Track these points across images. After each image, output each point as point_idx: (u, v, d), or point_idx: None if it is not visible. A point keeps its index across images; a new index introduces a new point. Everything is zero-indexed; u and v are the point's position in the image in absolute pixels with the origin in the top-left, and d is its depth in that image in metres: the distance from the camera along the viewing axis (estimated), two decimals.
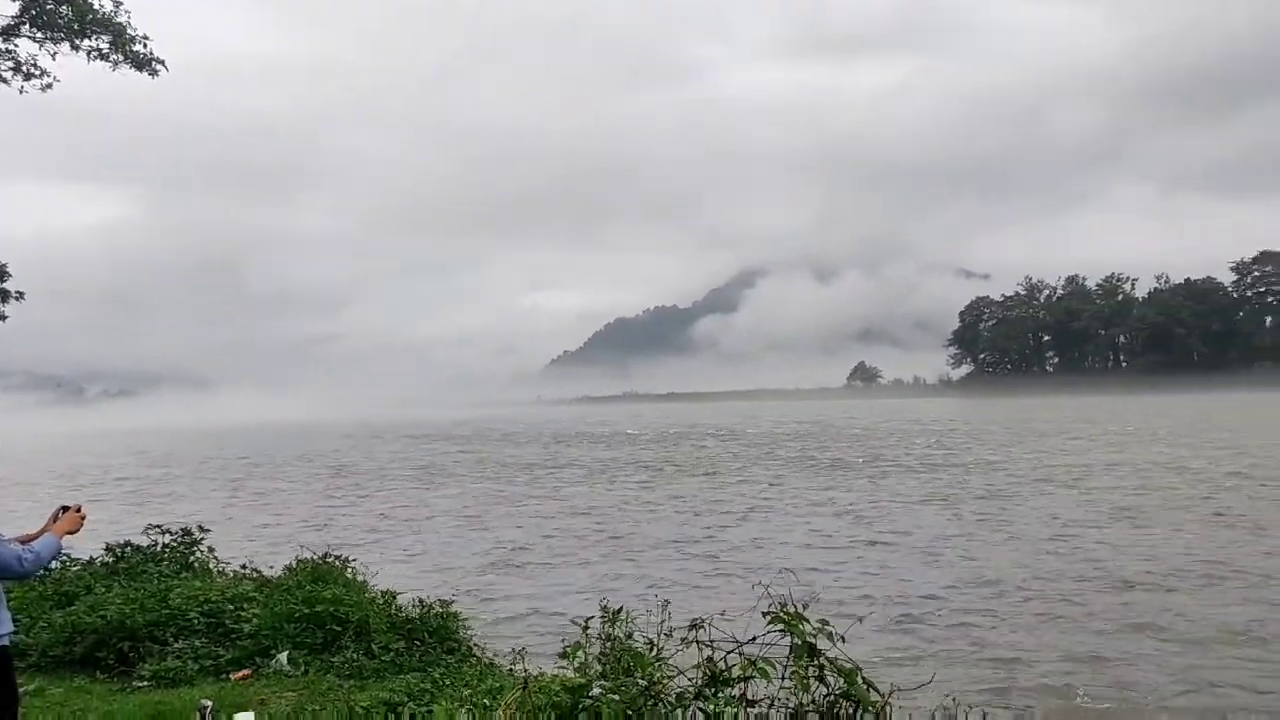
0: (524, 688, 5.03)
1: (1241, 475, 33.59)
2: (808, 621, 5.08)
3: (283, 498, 36.91)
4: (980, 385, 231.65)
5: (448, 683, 7.49)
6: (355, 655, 8.85)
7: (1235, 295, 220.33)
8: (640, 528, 25.62)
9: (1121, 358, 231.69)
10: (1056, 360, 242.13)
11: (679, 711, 4.98)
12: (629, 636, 5.69)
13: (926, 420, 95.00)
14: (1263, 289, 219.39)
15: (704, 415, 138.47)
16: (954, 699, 5.75)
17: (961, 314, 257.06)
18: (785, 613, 5.07)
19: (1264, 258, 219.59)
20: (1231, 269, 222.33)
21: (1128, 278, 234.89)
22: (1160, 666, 11.72)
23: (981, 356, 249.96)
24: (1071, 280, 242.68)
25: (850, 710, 4.94)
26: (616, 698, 4.90)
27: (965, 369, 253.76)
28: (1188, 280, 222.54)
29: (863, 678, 4.96)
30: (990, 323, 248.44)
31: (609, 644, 5.96)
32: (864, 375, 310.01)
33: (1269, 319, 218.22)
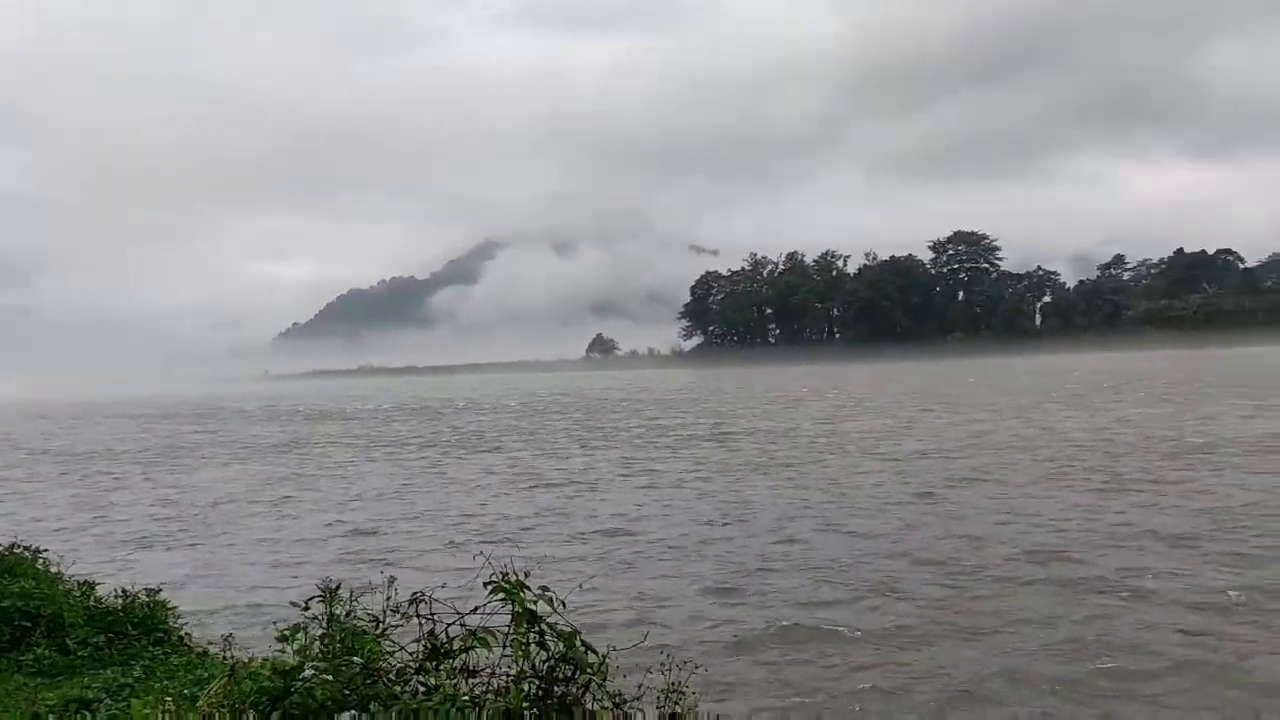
0: (229, 676, 4.78)
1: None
2: (529, 589, 5.12)
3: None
4: (710, 356, 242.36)
5: (153, 676, 7.02)
6: (48, 652, 8.14)
7: (933, 272, 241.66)
8: (391, 504, 25.04)
9: (835, 329, 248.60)
10: (778, 332, 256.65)
11: (398, 687, 4.90)
12: (349, 615, 5.53)
13: (675, 388, 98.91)
14: (955, 266, 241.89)
15: (452, 389, 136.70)
16: (669, 655, 5.98)
17: (692, 288, 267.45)
18: (507, 582, 5.08)
19: (957, 237, 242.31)
20: (929, 248, 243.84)
21: (841, 255, 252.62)
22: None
23: (711, 329, 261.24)
24: (791, 257, 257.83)
25: (569, 672, 5.04)
26: (331, 679, 4.75)
27: (696, 340, 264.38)
28: (892, 258, 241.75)
29: (581, 640, 5.06)
30: (719, 297, 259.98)
31: (331, 625, 5.77)
32: (602, 347, 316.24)
33: (960, 294, 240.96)
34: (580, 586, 10.36)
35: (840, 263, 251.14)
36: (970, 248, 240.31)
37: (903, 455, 30.57)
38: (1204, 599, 12.63)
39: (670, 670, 5.52)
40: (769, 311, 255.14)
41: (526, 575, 5.18)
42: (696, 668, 6.40)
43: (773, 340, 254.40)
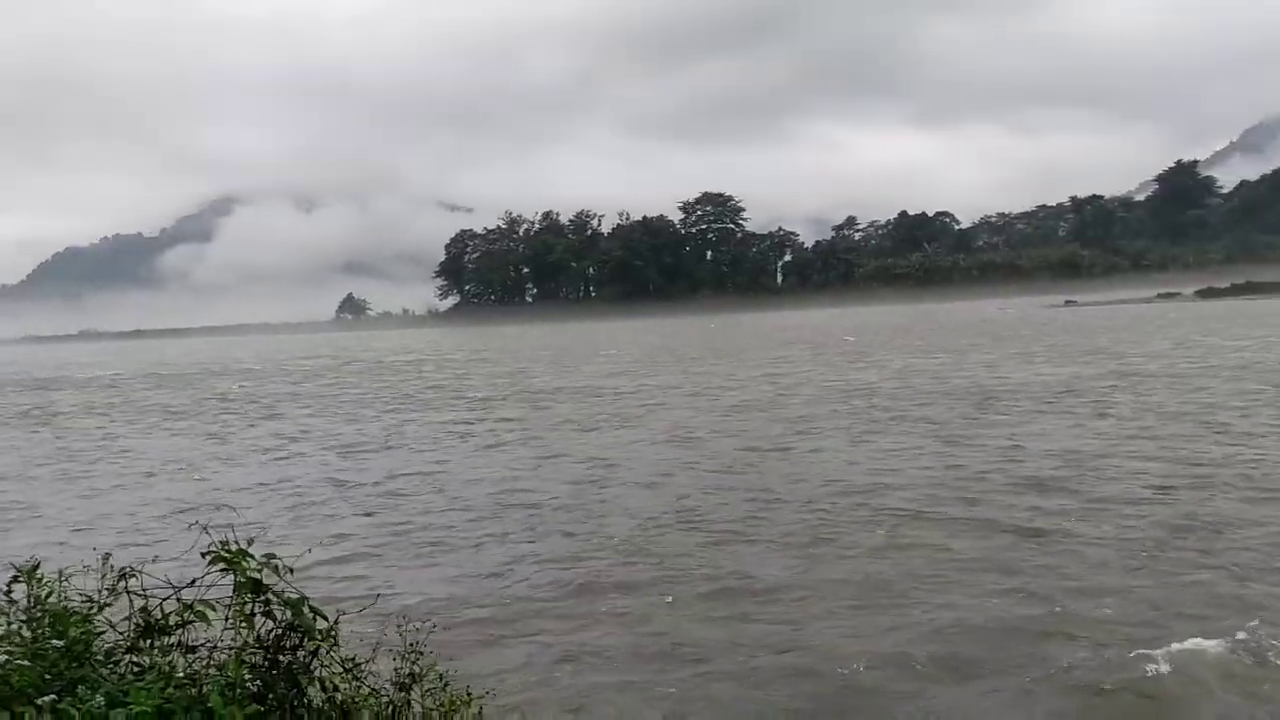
0: None
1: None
2: (252, 558, 4.95)
3: None
4: (467, 316, 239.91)
5: None
6: None
7: (683, 231, 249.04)
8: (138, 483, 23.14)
9: (591, 288, 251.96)
10: (535, 291, 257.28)
11: (106, 669, 4.62)
12: (50, 596, 5.14)
13: (446, 348, 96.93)
14: (704, 226, 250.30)
15: (201, 353, 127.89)
16: (405, 618, 5.96)
17: (447, 247, 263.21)
18: (227, 551, 4.88)
19: (705, 198, 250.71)
20: (680, 208, 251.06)
21: (596, 214, 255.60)
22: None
23: (468, 288, 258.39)
24: (547, 215, 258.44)
25: (297, 640, 4.92)
26: (29, 663, 4.42)
27: (452, 300, 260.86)
28: (645, 218, 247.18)
29: (310, 607, 4.94)
30: (474, 255, 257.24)
31: (34, 607, 5.34)
32: (353, 308, 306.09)
33: (709, 253, 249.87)
34: (310, 550, 10.01)
35: (595, 222, 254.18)
36: (717, 208, 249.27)
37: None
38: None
39: (409, 632, 5.50)
40: (526, 270, 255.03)
41: (250, 543, 4.99)
42: (435, 628, 6.41)
43: (530, 299, 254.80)
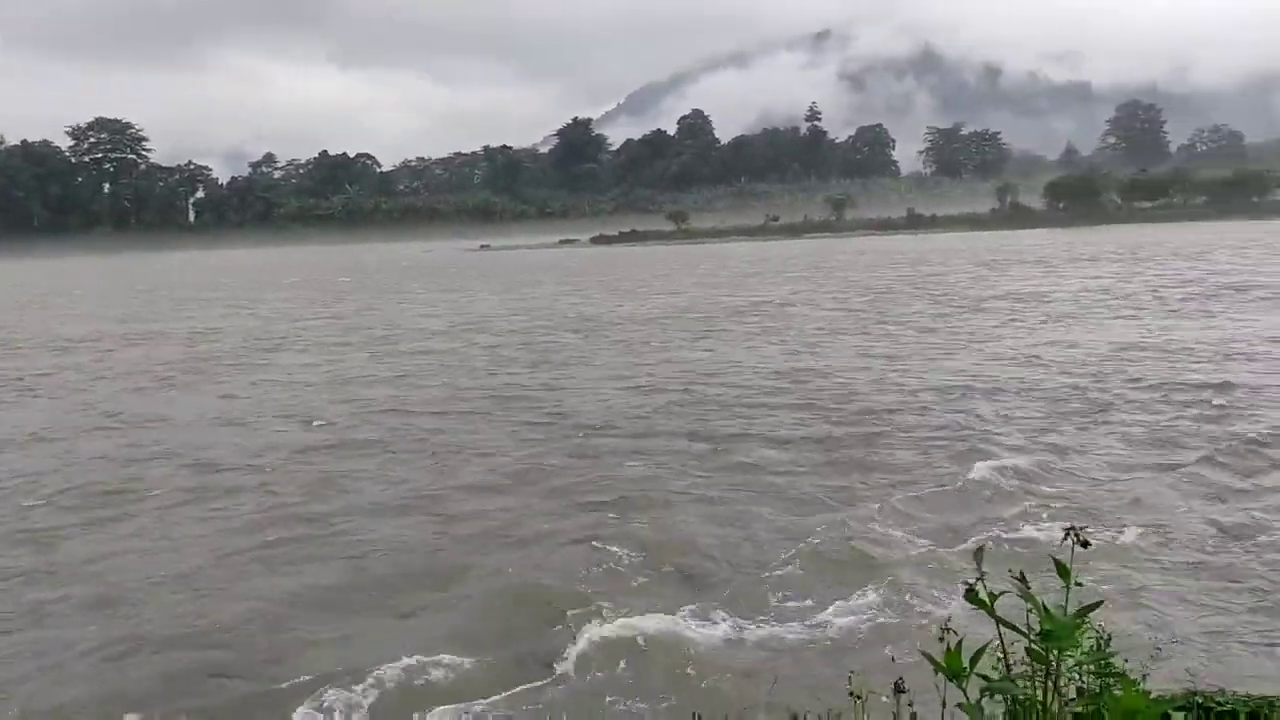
0: None
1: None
2: None
3: None
4: None
5: None
6: None
7: (74, 160, 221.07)
8: None
9: None
10: None
11: None
12: None
13: None
14: (100, 155, 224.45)
15: None
16: None
17: None
18: None
19: (99, 124, 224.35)
20: (68, 134, 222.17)
21: None
22: None
23: None
24: None
25: None
26: None
27: None
28: (25, 142, 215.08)
29: None
30: None
31: None
32: None
33: (107, 185, 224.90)
34: None
35: None
36: (115, 136, 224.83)
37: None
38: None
39: None
40: None
41: None
42: None
43: None
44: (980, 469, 13.73)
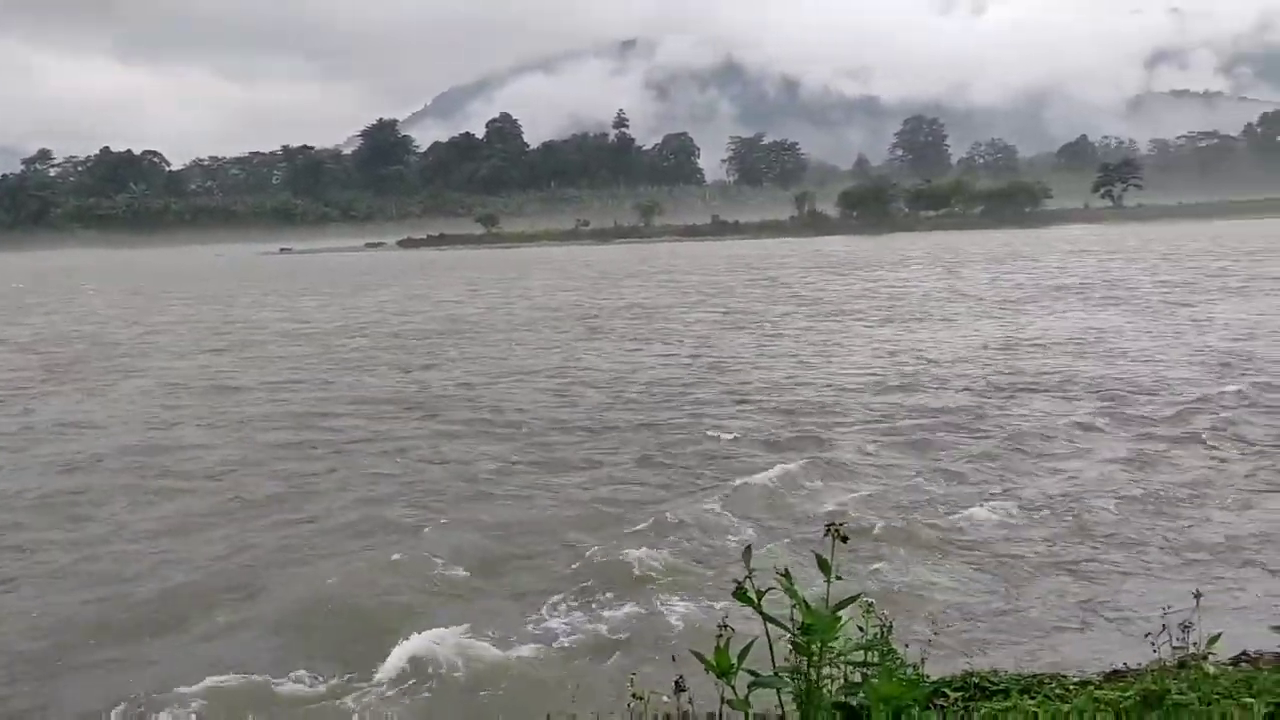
0: None
1: None
2: None
3: None
4: None
5: None
6: None
7: None
8: None
9: None
10: None
11: None
12: None
13: None
14: None
15: None
16: None
17: None
18: None
19: None
20: None
21: None
22: None
23: None
24: None
25: None
26: None
27: None
28: None
29: None
30: None
31: None
32: None
33: None
34: None
35: None
36: None
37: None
38: None
39: None
40: None
41: None
42: None
43: None
44: (757, 477, 14.01)
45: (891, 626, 4.91)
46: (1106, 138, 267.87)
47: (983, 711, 4.80)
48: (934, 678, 6.02)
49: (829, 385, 21.15)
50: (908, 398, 19.46)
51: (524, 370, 24.61)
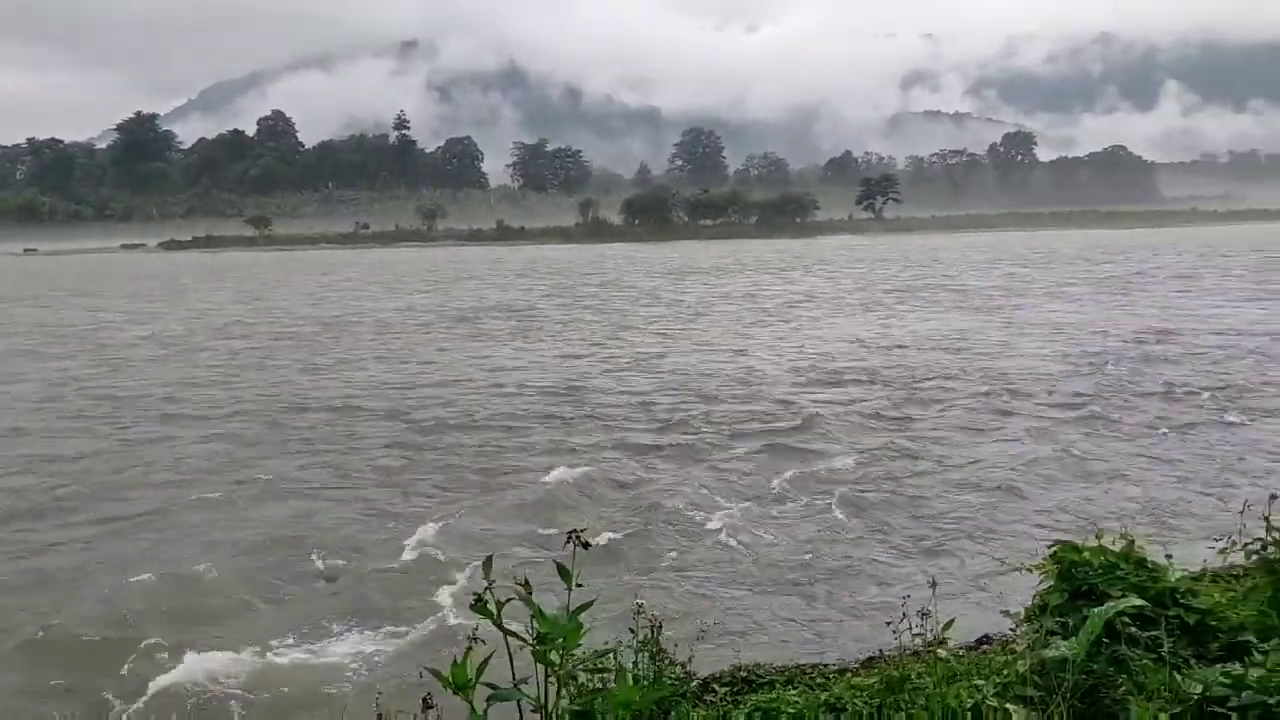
0: None
1: None
2: None
3: None
4: None
5: None
6: None
7: None
8: None
9: None
10: None
11: None
12: None
13: None
14: None
15: None
16: None
17: None
18: None
19: None
20: None
21: None
22: None
23: None
24: None
25: None
26: None
27: None
28: None
29: None
30: None
31: None
32: None
33: None
34: None
35: None
36: None
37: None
38: None
39: None
40: None
41: None
42: None
43: None
44: (558, 474, 14.13)
45: (661, 627, 4.99)
46: (868, 154, 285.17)
47: (749, 704, 4.95)
48: (703, 674, 6.19)
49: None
50: (674, 408, 19.97)
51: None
